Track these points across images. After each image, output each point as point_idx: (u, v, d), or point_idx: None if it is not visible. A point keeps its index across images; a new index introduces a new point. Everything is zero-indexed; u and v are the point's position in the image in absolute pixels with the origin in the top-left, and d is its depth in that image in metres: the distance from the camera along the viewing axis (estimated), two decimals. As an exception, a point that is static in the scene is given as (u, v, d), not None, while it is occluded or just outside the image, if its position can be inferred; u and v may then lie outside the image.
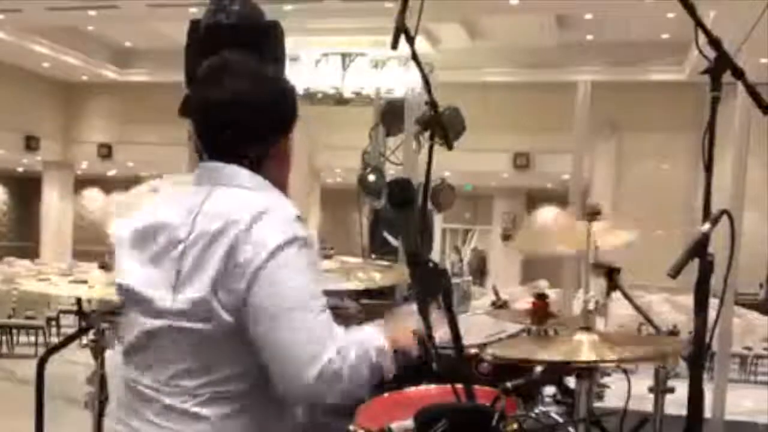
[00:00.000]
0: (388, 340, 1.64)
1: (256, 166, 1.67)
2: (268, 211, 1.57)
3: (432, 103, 2.48)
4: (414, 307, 1.68)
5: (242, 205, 1.58)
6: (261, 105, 1.67)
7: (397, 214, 1.71)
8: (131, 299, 1.68)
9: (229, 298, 1.54)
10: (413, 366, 2.49)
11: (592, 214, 2.95)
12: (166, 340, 1.62)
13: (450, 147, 2.70)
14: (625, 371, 2.27)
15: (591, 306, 2.30)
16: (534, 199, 23.14)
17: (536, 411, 2.52)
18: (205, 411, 1.59)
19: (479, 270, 23.27)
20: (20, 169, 23.62)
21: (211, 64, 1.73)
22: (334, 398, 1.54)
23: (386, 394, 2.23)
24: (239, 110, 1.65)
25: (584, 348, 2.16)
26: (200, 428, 1.59)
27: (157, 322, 1.62)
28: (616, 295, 2.92)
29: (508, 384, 2.02)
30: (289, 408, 1.72)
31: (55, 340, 10.14)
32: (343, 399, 1.57)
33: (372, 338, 1.62)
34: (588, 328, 2.25)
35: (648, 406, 2.84)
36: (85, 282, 3.08)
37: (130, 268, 1.67)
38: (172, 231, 1.62)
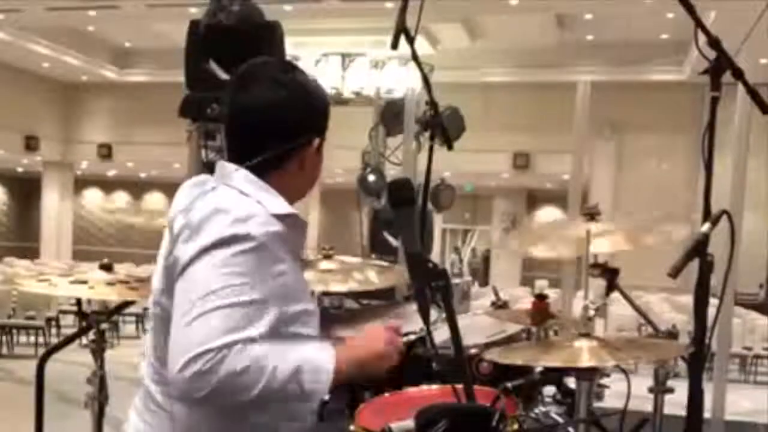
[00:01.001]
0: (337, 361, 1.55)
1: (266, 171, 1.68)
2: (223, 211, 1.57)
3: (432, 103, 2.48)
4: (414, 307, 1.68)
5: (210, 204, 1.61)
6: (271, 116, 1.68)
7: (397, 214, 1.70)
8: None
9: (170, 289, 1.58)
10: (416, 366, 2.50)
11: (591, 215, 2.95)
12: (152, 328, 1.70)
13: (450, 147, 2.71)
14: (624, 371, 2.27)
15: (591, 313, 2.30)
16: (534, 199, 23.15)
17: (536, 411, 2.52)
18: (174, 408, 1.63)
19: (485, 270, 23.30)
20: (20, 169, 23.63)
21: (238, 73, 1.76)
22: (207, 394, 1.42)
23: (386, 394, 2.23)
24: (248, 119, 1.69)
25: (584, 353, 2.16)
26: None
27: (150, 310, 1.71)
28: (616, 295, 2.92)
29: (508, 384, 2.02)
30: (300, 411, 1.71)
31: (55, 340, 10.14)
32: (224, 397, 1.44)
33: (310, 356, 1.53)
34: (587, 335, 2.25)
35: (648, 406, 2.83)
36: (85, 282, 3.07)
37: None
38: (171, 225, 1.67)
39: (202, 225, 1.56)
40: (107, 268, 3.16)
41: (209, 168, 3.72)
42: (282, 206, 1.64)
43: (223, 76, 3.41)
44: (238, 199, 1.61)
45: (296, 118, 1.71)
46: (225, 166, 1.70)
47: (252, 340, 1.46)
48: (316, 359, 1.54)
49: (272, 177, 1.69)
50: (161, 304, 1.63)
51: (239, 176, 1.66)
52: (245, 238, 1.52)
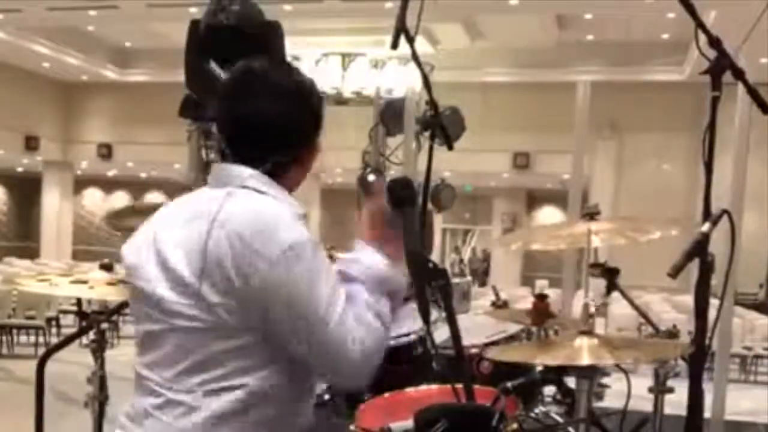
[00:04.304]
0: (387, 259, 1.71)
1: (277, 172, 1.70)
2: (271, 219, 1.60)
3: (432, 103, 2.48)
4: (414, 307, 1.68)
5: (249, 212, 1.61)
6: (282, 121, 1.70)
7: (397, 214, 1.70)
8: (143, 297, 1.70)
9: (234, 301, 1.57)
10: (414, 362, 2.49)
11: (591, 215, 2.95)
12: (172, 337, 1.65)
13: (450, 147, 2.70)
14: (624, 371, 2.26)
15: (591, 309, 2.30)
16: (534, 199, 23.16)
17: (536, 411, 2.52)
18: (202, 405, 1.62)
19: (485, 270, 23.31)
20: (20, 169, 23.64)
21: (235, 78, 1.75)
22: (375, 365, 1.64)
23: (386, 394, 2.23)
24: (262, 126, 1.70)
25: (584, 352, 2.16)
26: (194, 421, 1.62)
27: (166, 321, 1.65)
28: (616, 295, 2.92)
29: (508, 384, 2.02)
30: (306, 405, 1.74)
31: (55, 340, 10.14)
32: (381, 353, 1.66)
33: (379, 276, 1.69)
34: (588, 332, 2.24)
35: (648, 406, 2.83)
36: (85, 282, 3.07)
37: (149, 269, 1.70)
38: (189, 234, 1.63)
39: (255, 236, 1.57)
40: (107, 267, 3.16)
41: (209, 168, 3.72)
42: (300, 206, 1.71)
43: (223, 76, 3.41)
44: (272, 203, 1.66)
45: (302, 125, 1.74)
46: (235, 169, 1.70)
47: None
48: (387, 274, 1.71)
49: (280, 179, 1.71)
50: (193, 317, 1.60)
51: (259, 180, 1.68)
52: (307, 241, 1.61)
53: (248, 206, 1.62)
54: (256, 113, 1.69)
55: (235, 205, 1.62)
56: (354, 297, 1.65)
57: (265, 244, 1.56)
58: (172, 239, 1.66)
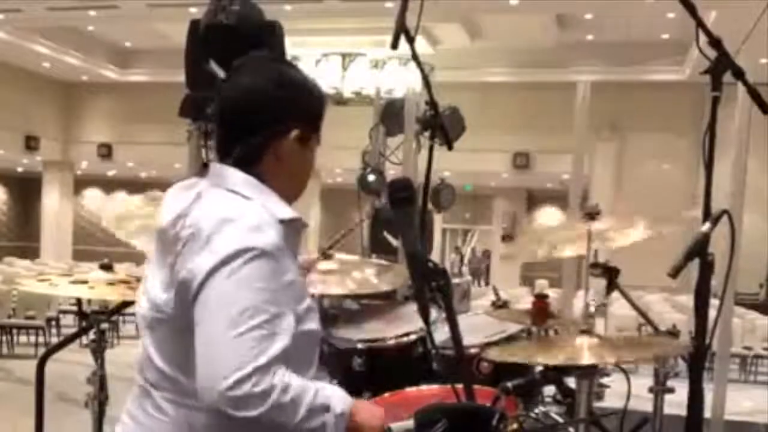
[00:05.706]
0: (352, 415, 1.58)
1: (247, 165, 1.65)
2: (233, 220, 1.56)
3: (432, 103, 2.49)
4: (414, 306, 1.68)
5: (214, 211, 1.59)
6: (243, 104, 1.68)
7: (397, 214, 1.70)
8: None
9: (185, 300, 1.57)
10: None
11: (591, 215, 2.96)
12: (151, 333, 1.67)
13: (450, 147, 2.71)
14: (624, 371, 2.26)
15: (592, 309, 2.30)
16: (534, 199, 23.16)
17: (536, 411, 2.52)
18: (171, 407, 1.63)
19: (486, 270, 23.29)
20: (20, 169, 23.63)
21: (230, 70, 1.77)
22: (245, 418, 1.47)
23: (386, 394, 2.23)
24: (226, 111, 1.70)
25: (584, 352, 2.16)
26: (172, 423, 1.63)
27: (147, 315, 1.67)
28: (616, 295, 2.92)
29: (508, 384, 2.02)
30: None
31: (55, 340, 10.14)
32: (261, 423, 1.49)
33: (337, 399, 1.57)
34: (588, 332, 2.25)
35: (648, 406, 2.83)
36: (85, 282, 3.07)
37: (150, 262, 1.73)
38: (166, 230, 1.65)
39: (212, 236, 1.55)
40: (107, 267, 3.15)
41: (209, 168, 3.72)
42: (286, 210, 1.64)
43: (223, 75, 3.40)
44: (244, 205, 1.60)
45: (272, 105, 1.67)
46: (217, 167, 1.68)
47: (285, 351, 1.51)
48: (339, 411, 1.57)
49: (260, 176, 1.66)
50: (167, 313, 1.61)
51: (237, 179, 1.64)
52: (262, 251, 1.53)
53: (212, 210, 1.60)
54: (230, 92, 1.70)
55: (202, 204, 1.62)
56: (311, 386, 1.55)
57: (212, 245, 1.54)
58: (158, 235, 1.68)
